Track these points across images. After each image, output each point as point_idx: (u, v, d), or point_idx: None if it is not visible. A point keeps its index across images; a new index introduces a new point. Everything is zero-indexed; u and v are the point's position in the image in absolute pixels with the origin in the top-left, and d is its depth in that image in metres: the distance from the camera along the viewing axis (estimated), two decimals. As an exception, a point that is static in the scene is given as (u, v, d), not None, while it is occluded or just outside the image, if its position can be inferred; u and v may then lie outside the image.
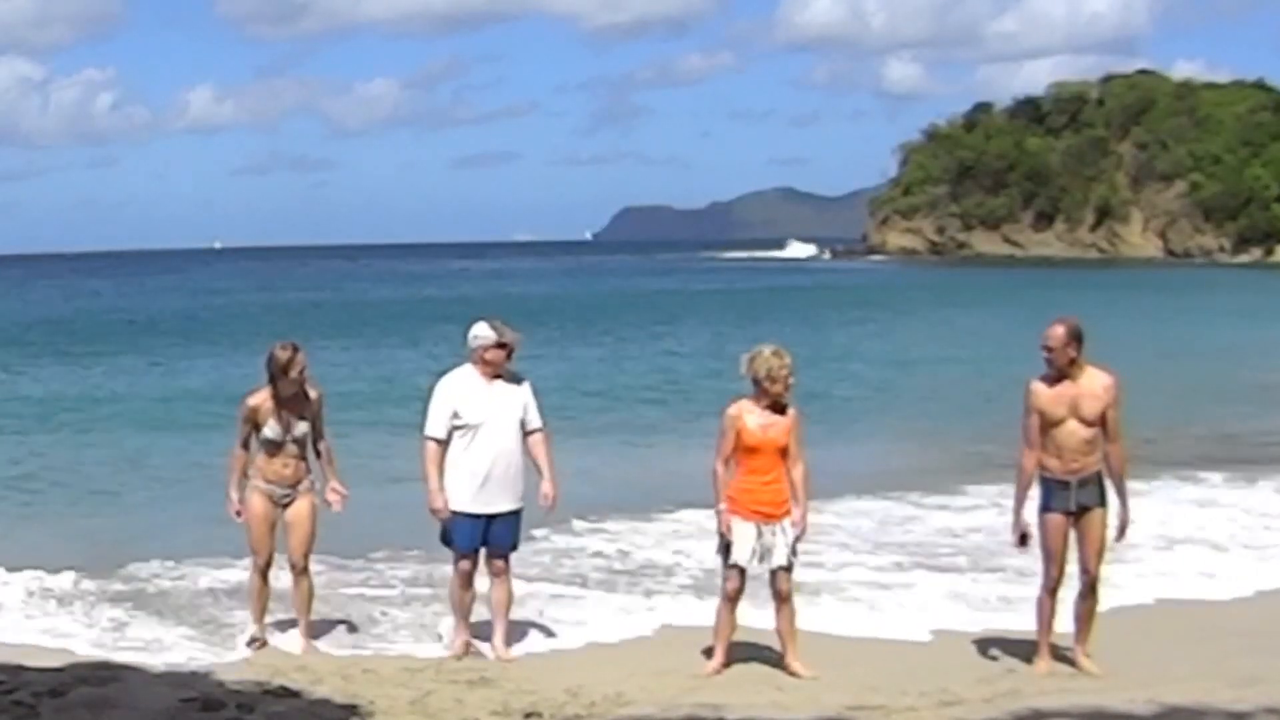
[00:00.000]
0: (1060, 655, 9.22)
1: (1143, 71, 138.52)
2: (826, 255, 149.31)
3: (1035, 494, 9.06)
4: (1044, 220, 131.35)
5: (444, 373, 9.56)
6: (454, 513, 9.28)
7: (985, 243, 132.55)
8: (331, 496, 9.71)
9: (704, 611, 9.83)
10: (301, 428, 9.53)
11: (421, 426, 9.42)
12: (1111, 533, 9.04)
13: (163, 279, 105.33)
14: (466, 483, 9.26)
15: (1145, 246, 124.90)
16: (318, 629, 9.90)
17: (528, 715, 7.96)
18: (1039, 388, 8.93)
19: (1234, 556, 12.93)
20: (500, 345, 9.32)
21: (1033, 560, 9.35)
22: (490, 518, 9.30)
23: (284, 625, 9.92)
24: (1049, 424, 8.90)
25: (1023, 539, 9.11)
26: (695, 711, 8.01)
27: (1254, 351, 34.72)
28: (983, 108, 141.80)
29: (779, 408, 8.89)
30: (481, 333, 9.35)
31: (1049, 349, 8.89)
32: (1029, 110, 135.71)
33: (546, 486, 9.47)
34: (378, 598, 11.53)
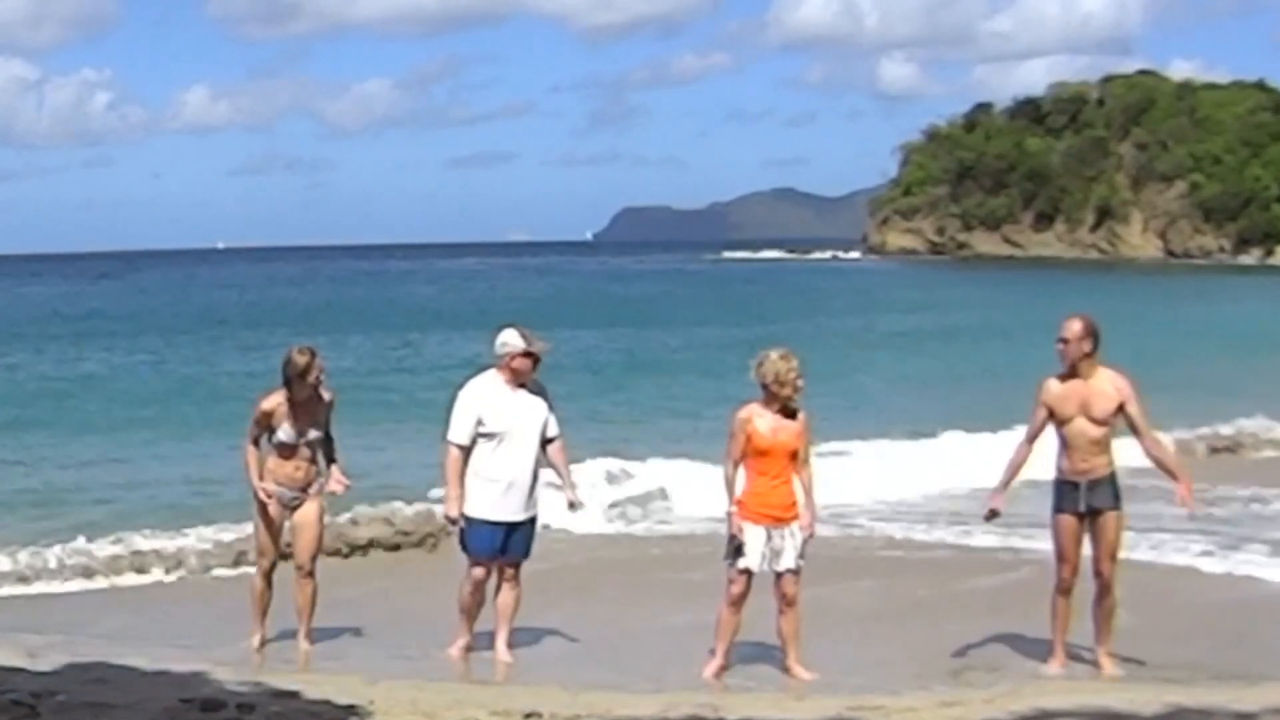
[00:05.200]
0: (1076, 655, 9.21)
1: (1143, 72, 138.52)
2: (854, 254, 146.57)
3: (1048, 494, 9.08)
4: (1044, 220, 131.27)
5: (468, 379, 9.47)
6: (475, 519, 9.23)
7: (985, 243, 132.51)
8: (334, 485, 9.65)
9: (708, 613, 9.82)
10: (315, 431, 9.47)
11: (444, 432, 9.35)
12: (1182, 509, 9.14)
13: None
14: (489, 490, 9.19)
15: (1145, 247, 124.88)
16: (319, 631, 9.86)
17: (528, 715, 7.95)
18: (1051, 384, 8.96)
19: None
20: (528, 354, 9.25)
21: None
22: (510, 526, 9.26)
23: (287, 628, 9.89)
24: (1059, 422, 8.90)
25: (992, 513, 9.16)
26: (695, 711, 8.00)
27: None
28: (983, 108, 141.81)
29: (790, 411, 8.84)
30: (510, 340, 9.26)
31: (1064, 341, 8.88)
32: (1029, 110, 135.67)
33: (570, 493, 9.48)
34: (378, 598, 11.53)
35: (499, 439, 9.17)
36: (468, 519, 9.23)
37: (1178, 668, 9.14)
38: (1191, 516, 9.15)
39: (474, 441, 9.21)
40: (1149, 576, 11.82)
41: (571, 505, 9.57)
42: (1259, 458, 19.84)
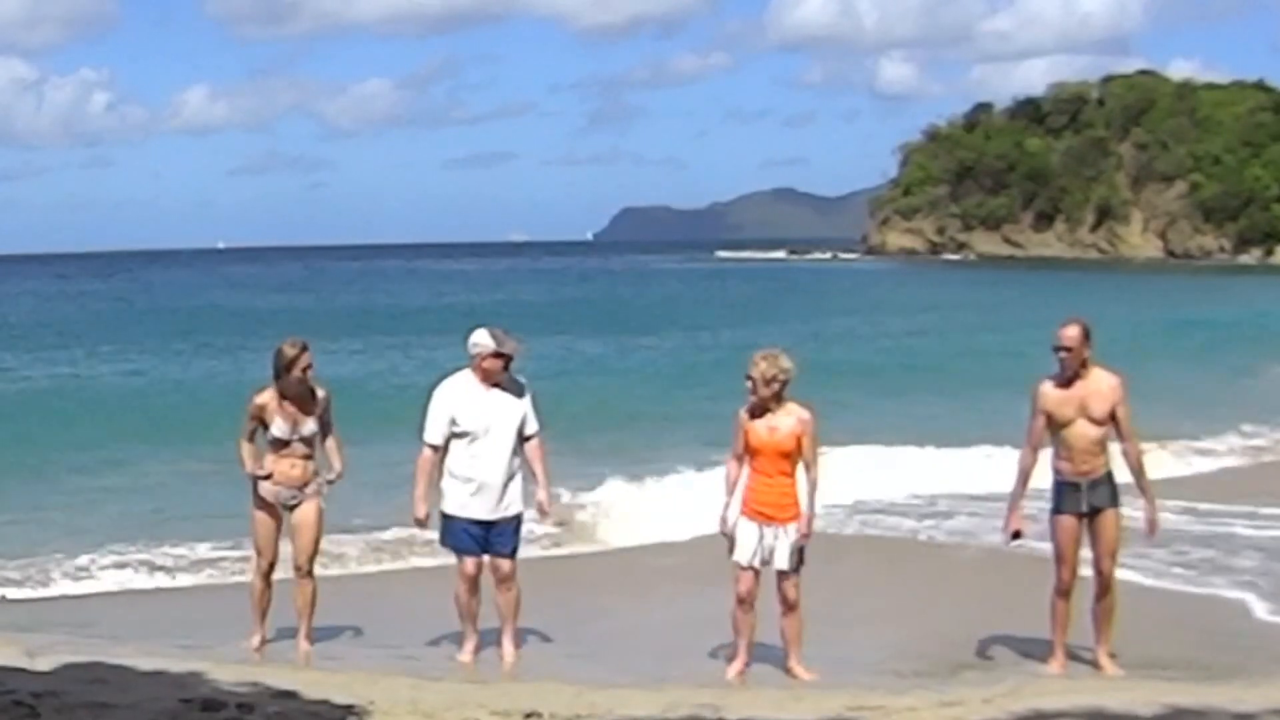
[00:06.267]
0: (1075, 656, 9.20)
1: (1143, 72, 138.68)
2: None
3: (1047, 494, 9.05)
4: (1044, 220, 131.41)
5: (441, 379, 9.49)
6: (453, 518, 9.26)
7: (985, 243, 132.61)
8: (329, 475, 9.67)
9: (708, 609, 9.83)
10: (309, 426, 9.47)
11: (419, 431, 9.37)
12: (1141, 527, 9.03)
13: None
14: (464, 489, 9.22)
15: (1145, 247, 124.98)
16: (319, 631, 9.87)
17: (528, 715, 7.95)
18: (1047, 389, 8.90)
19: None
20: (498, 354, 9.25)
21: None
22: (489, 524, 9.27)
23: (287, 628, 9.90)
24: (1058, 425, 8.87)
25: (1015, 535, 9.09)
26: (696, 711, 8.01)
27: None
28: (983, 108, 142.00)
29: (767, 409, 8.79)
30: (481, 340, 9.27)
31: (1066, 349, 8.81)
32: (1029, 110, 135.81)
33: (542, 495, 9.47)
34: (379, 598, 11.53)
35: (471, 438, 9.19)
36: (446, 516, 9.28)
37: (1177, 668, 9.14)
38: (1150, 538, 9.12)
39: (449, 441, 9.24)
40: (1146, 578, 11.86)
41: (541, 507, 9.55)
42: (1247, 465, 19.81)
